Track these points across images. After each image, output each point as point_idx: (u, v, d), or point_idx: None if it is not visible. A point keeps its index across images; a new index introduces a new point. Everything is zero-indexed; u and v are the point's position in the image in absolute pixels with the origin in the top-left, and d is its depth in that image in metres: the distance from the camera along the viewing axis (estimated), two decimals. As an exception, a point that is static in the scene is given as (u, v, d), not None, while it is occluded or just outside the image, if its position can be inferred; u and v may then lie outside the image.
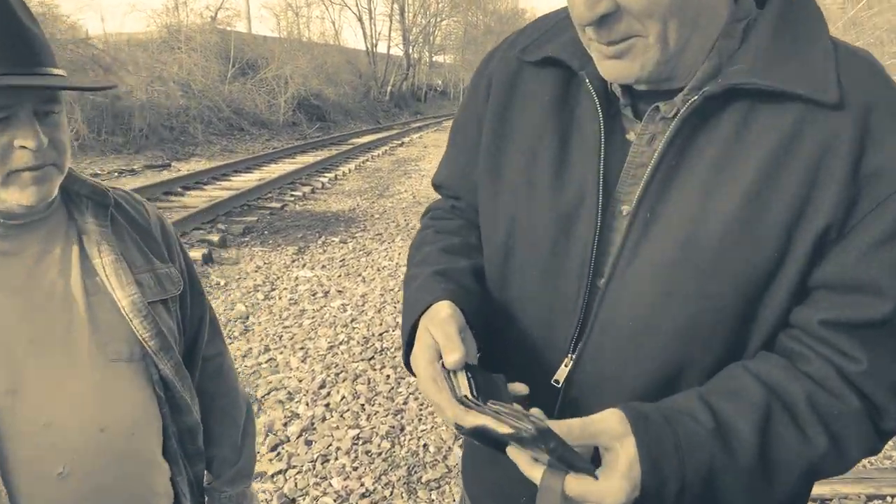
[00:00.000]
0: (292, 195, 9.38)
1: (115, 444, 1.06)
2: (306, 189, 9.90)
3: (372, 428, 3.37)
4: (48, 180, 0.99)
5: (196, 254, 6.10)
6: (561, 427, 0.73)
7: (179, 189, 9.14)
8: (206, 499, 1.35)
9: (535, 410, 0.80)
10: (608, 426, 0.75)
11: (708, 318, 0.80)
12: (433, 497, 2.86)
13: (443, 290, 0.90)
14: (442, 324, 0.82)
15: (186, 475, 1.24)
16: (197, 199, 8.51)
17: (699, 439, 0.75)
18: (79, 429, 1.02)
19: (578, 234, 0.87)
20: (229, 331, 4.59)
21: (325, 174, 11.58)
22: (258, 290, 5.43)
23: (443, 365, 0.80)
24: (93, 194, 1.12)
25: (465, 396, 0.75)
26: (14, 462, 0.97)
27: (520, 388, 0.84)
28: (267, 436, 3.26)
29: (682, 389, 0.82)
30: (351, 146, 15.99)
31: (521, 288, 0.93)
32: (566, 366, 0.88)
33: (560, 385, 0.89)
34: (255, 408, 3.54)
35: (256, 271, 5.95)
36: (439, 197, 1.16)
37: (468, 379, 0.77)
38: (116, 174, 10.63)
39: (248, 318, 4.87)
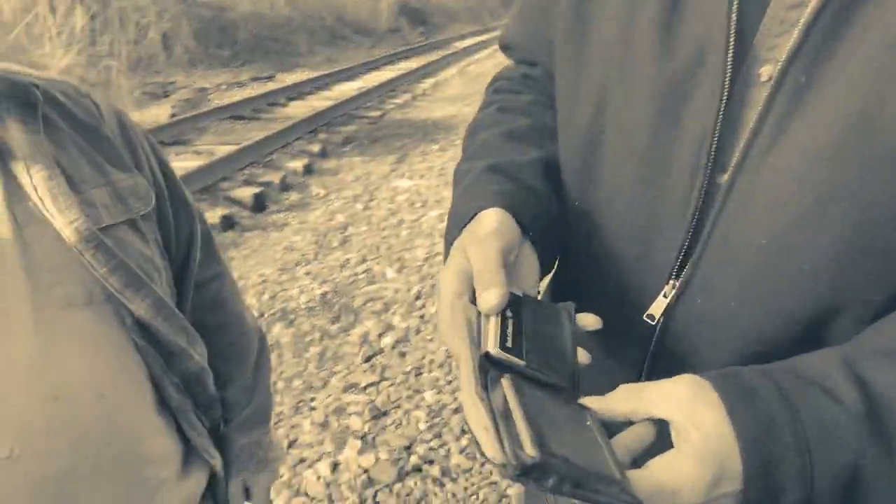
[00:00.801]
0: (392, 103, 9.23)
1: (78, 413, 0.86)
2: (407, 96, 9.72)
3: (467, 341, 3.30)
4: None
5: (297, 164, 6.13)
6: (599, 404, 0.55)
7: (283, 100, 9.18)
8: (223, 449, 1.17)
9: (590, 402, 0.56)
10: (676, 390, 0.54)
11: (882, 239, 0.56)
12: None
13: (495, 192, 0.69)
14: (482, 243, 0.62)
15: (203, 428, 1.06)
16: (299, 110, 8.53)
17: (839, 429, 0.51)
18: (22, 400, 0.82)
19: (694, 109, 0.62)
20: (328, 241, 4.60)
21: (426, 80, 11.33)
22: (357, 201, 5.40)
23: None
24: (12, 91, 0.86)
25: (487, 354, 0.55)
26: None
27: (590, 321, 0.64)
28: (362, 346, 3.25)
29: (829, 344, 0.59)
30: (454, 50, 15.52)
31: (610, 187, 0.71)
32: (665, 296, 0.68)
33: (655, 323, 0.69)
34: (350, 319, 3.54)
35: (356, 181, 5.91)
36: (509, 63, 0.94)
37: (500, 325, 0.57)
38: (224, 87, 10.81)
39: (346, 228, 4.86)
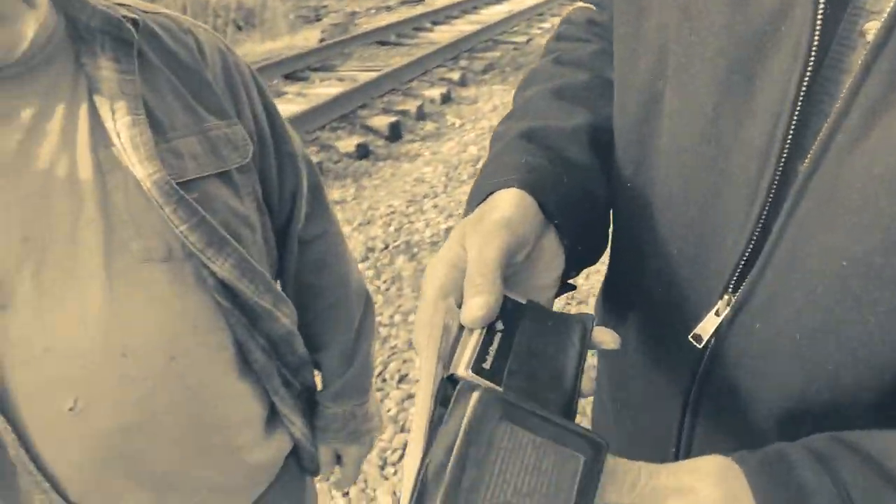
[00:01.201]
0: (540, 27, 8.85)
1: (145, 372, 0.81)
2: (555, 20, 9.28)
3: (590, 288, 3.15)
4: (8, 20, 0.71)
5: (435, 93, 6.06)
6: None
7: (428, 24, 9.07)
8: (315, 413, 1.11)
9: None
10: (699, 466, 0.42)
11: None
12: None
13: (521, 165, 0.57)
14: (484, 236, 0.50)
15: (290, 391, 1.00)
16: (443, 35, 8.39)
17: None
18: (90, 353, 0.78)
19: (771, 74, 0.48)
20: (458, 174, 4.53)
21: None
22: (492, 133, 5.27)
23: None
24: (108, 26, 0.80)
25: (452, 377, 0.43)
26: (16, 396, 0.77)
27: (607, 338, 0.51)
28: (481, 286, 3.19)
29: None
30: (611, -31, 14.60)
31: (665, 166, 0.57)
32: (717, 314, 0.54)
33: (703, 345, 0.56)
34: (472, 256, 3.49)
35: (493, 111, 5.76)
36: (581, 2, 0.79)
37: (481, 341, 0.45)
38: (373, 11, 10.84)
39: (479, 161, 4.76)
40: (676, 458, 0.59)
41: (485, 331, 0.46)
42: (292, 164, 0.99)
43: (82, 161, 0.78)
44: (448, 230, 3.77)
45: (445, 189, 4.33)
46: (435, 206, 4.09)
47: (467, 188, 4.27)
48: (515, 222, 0.51)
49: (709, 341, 0.55)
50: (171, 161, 0.81)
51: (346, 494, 2.18)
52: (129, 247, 0.79)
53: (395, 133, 5.28)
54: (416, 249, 3.61)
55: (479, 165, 4.63)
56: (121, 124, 0.78)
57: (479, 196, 0.56)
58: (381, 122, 5.34)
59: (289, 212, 1.01)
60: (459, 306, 0.47)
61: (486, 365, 0.43)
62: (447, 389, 0.42)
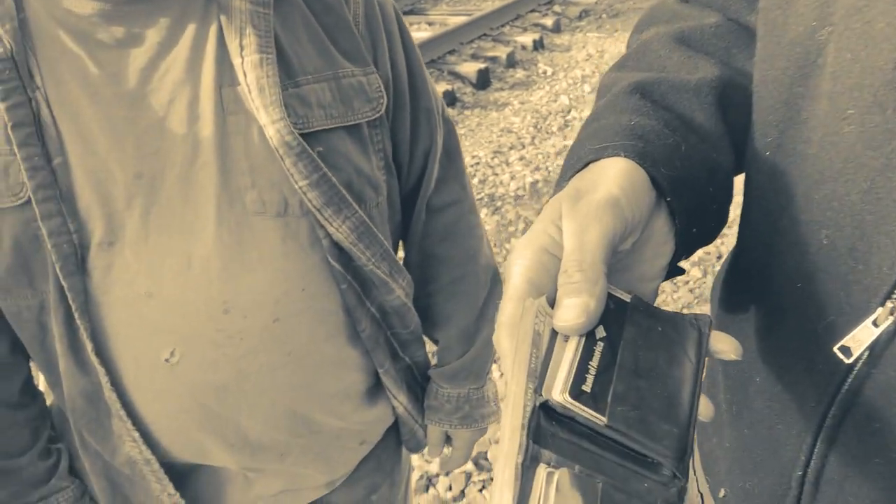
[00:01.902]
0: (641, -29, 8.40)
1: (246, 331, 0.76)
2: (659, -37, 8.77)
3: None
4: None
5: (527, 39, 5.84)
6: None
7: (523, -33, 8.75)
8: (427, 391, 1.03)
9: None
10: None
11: None
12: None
13: (630, 129, 0.46)
14: (586, 218, 0.40)
15: (397, 365, 0.94)
16: (538, -21, 8.08)
17: None
18: (191, 305, 0.74)
19: None
20: (548, 125, 4.37)
21: (685, -56, 10.12)
22: (585, 82, 5.05)
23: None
24: None
25: (546, 404, 0.34)
26: (113, 337, 0.75)
27: (726, 346, 0.42)
28: (565, 244, 3.08)
29: None
30: None
31: (820, 142, 0.46)
32: (876, 324, 0.43)
33: (852, 361, 0.45)
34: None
35: (587, 60, 5.52)
36: None
37: (580, 354, 0.36)
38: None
39: (569, 111, 4.58)
40: (802, 484, 0.49)
41: (584, 339, 0.37)
42: (428, 121, 0.90)
43: (205, 98, 0.72)
44: (535, 184, 3.65)
45: (533, 141, 4.18)
46: (521, 159, 3.96)
47: (556, 140, 4.12)
48: (623, 203, 0.41)
49: (860, 356, 0.44)
50: (298, 108, 0.74)
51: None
52: (242, 197, 0.74)
53: (483, 80, 5.14)
54: (499, 203, 3.51)
55: (570, 117, 4.46)
56: (248, 63, 0.72)
57: (576, 164, 0.46)
58: (470, 68, 5.20)
59: (419, 174, 0.92)
60: (551, 304, 0.39)
61: (587, 386, 0.35)
62: (541, 421, 0.34)
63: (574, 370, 0.36)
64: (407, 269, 0.94)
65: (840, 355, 0.45)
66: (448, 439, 1.06)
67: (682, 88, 0.50)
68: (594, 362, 0.36)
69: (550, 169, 3.79)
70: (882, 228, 0.43)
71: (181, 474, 0.86)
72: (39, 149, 0.69)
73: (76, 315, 0.73)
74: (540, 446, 0.33)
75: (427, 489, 2.00)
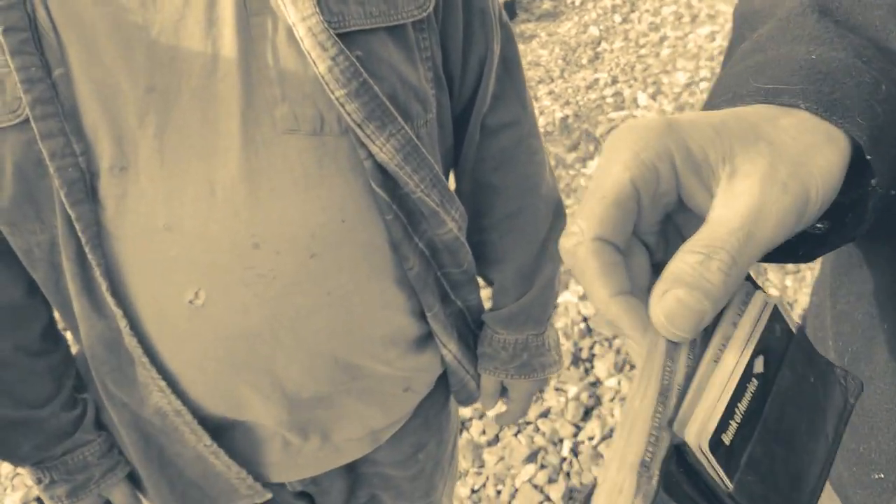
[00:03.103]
0: None
1: (280, 269, 0.68)
2: None
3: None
4: None
5: (554, -33, 5.58)
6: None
7: None
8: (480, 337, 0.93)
9: None
10: None
11: None
12: (783, 282, 2.36)
13: (807, 70, 0.35)
14: (772, 190, 0.29)
15: (448, 308, 0.85)
16: None
17: None
18: (216, 239, 0.65)
19: None
20: (577, 57, 4.19)
21: None
22: (616, 12, 4.82)
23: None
24: None
25: (682, 448, 0.28)
26: (130, 276, 0.67)
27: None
28: (598, 181, 2.96)
29: None
30: None
31: None
32: None
33: None
34: (590, 148, 3.23)
35: (617, -12, 5.27)
36: None
37: (729, 390, 0.29)
38: None
39: (599, 43, 4.38)
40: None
41: (741, 367, 0.29)
42: (484, 24, 0.77)
43: None
44: (564, 119, 3.51)
45: (562, 74, 4.01)
46: (550, 93, 3.80)
47: (587, 73, 3.95)
48: (812, 190, 0.31)
49: None
50: (332, 4, 0.64)
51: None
52: (271, 112, 0.64)
53: (509, 11, 4.93)
54: (529, 139, 3.39)
55: (601, 48, 4.27)
56: None
57: (731, 102, 0.36)
58: (495, -1, 4.99)
59: (473, 88, 0.80)
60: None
61: (728, 436, 0.28)
62: (673, 468, 0.27)
63: (722, 411, 0.28)
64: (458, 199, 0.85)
65: None
66: (504, 390, 0.97)
67: (870, 4, 0.39)
68: (742, 405, 0.29)
69: (581, 103, 3.64)
70: None
71: (217, 429, 0.79)
72: (37, 58, 0.60)
73: (87, 249, 0.64)
74: (668, 496, 0.27)
75: (461, 433, 1.96)
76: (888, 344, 0.46)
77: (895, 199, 0.35)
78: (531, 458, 1.87)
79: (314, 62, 0.62)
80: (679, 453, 0.28)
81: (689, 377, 0.29)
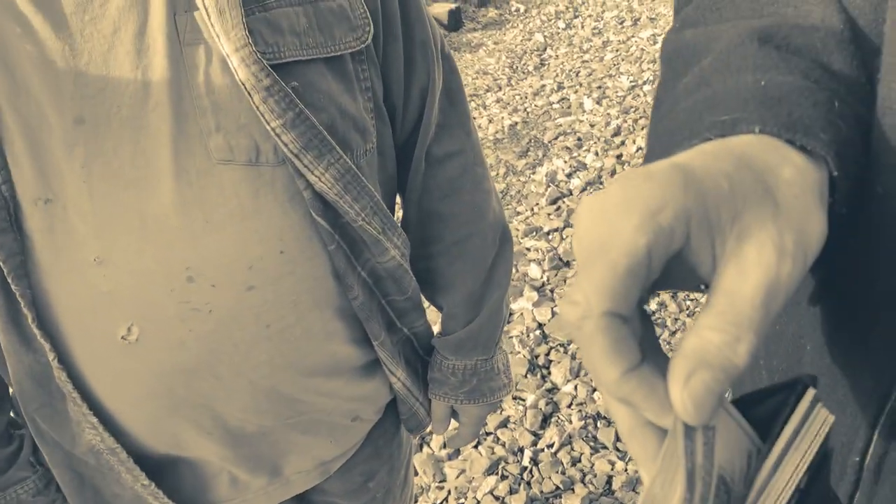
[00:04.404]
0: None
1: (216, 303, 0.65)
2: None
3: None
4: None
5: (498, -24, 5.64)
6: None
7: None
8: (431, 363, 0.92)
9: None
10: None
11: None
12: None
13: (760, 96, 0.34)
14: (781, 256, 0.28)
15: (394, 336, 0.84)
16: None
17: None
18: (149, 273, 0.63)
19: None
20: (523, 64, 4.24)
21: None
22: (560, 18, 4.89)
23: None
24: None
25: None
26: (59, 310, 0.65)
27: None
28: (548, 187, 3.00)
29: None
30: None
31: None
32: None
33: None
34: (539, 154, 3.27)
35: (560, -6, 5.35)
36: None
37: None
38: None
39: (545, 49, 4.44)
40: (860, 471, 0.42)
41: (795, 483, 0.29)
42: (425, 56, 0.77)
43: (155, 26, 0.61)
44: (513, 126, 3.54)
45: (509, 82, 4.05)
46: (498, 101, 3.84)
47: (533, 80, 3.99)
48: (807, 251, 0.29)
49: None
50: (267, 35, 0.63)
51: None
52: (205, 142, 0.62)
53: (455, 21, 4.96)
54: (478, 148, 3.42)
55: (546, 55, 4.32)
56: None
57: (687, 142, 0.35)
58: (441, 9, 5.01)
59: (416, 118, 0.79)
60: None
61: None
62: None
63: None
64: (405, 228, 0.84)
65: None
66: (455, 414, 0.97)
67: (809, 29, 0.39)
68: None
69: (529, 110, 3.68)
70: None
71: (158, 468, 0.77)
72: None
73: (10, 279, 0.62)
74: None
75: (421, 448, 1.96)
76: (812, 364, 0.48)
77: (843, 218, 0.36)
78: (492, 469, 1.88)
79: (249, 93, 0.61)
80: None
81: (709, 458, 0.27)
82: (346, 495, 0.94)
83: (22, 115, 0.60)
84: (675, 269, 0.30)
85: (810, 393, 0.30)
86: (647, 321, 0.32)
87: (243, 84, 0.61)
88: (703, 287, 0.41)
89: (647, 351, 0.29)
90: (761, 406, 0.30)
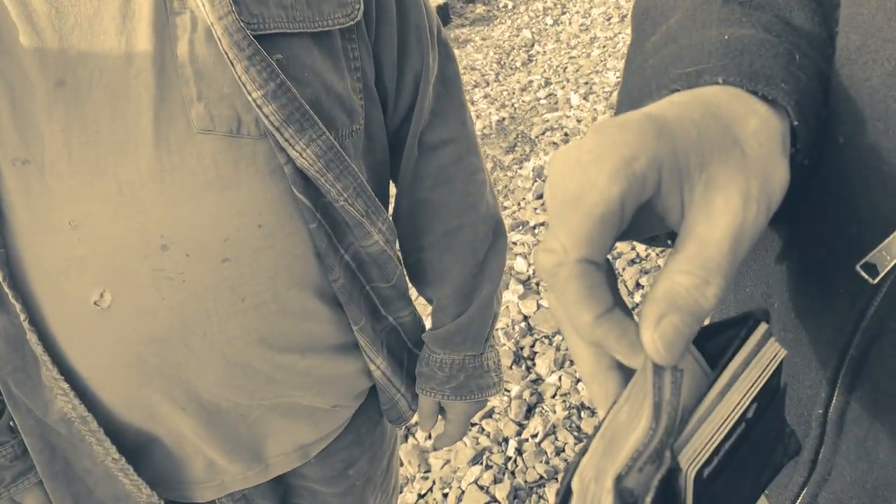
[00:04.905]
0: None
1: (190, 273, 0.65)
2: None
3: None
4: None
5: (486, -27, 5.64)
6: None
7: None
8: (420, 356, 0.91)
9: None
10: None
11: None
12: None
13: (724, 49, 0.36)
14: (748, 196, 0.29)
15: (377, 324, 0.83)
16: None
17: None
18: (123, 238, 0.63)
19: None
20: (511, 60, 4.25)
21: None
22: (548, 14, 4.90)
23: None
24: None
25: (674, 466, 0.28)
26: (32, 272, 0.65)
27: None
28: (535, 182, 3.00)
29: None
30: None
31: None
32: None
33: (877, 281, 0.36)
34: (526, 149, 3.27)
35: (548, -9, 5.36)
36: None
37: (730, 423, 0.29)
38: None
39: (533, 45, 4.45)
40: (824, 423, 0.43)
41: (741, 411, 0.30)
42: (419, 40, 0.76)
43: None
44: (500, 122, 3.54)
45: (497, 77, 4.06)
46: (486, 97, 3.84)
47: (521, 76, 4.00)
48: (771, 198, 0.30)
49: (888, 275, 0.37)
50: (252, 5, 0.63)
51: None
52: (186, 111, 0.63)
53: (443, 16, 4.96)
54: (465, 143, 3.42)
55: (534, 51, 4.32)
56: None
57: (655, 93, 0.36)
58: (428, 5, 5.02)
59: (409, 103, 0.79)
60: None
61: (707, 471, 0.29)
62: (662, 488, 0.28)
63: (714, 447, 0.29)
64: (397, 219, 0.83)
65: (864, 274, 0.38)
66: (442, 411, 0.95)
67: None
68: (728, 444, 0.29)
69: (516, 106, 3.69)
70: None
71: (132, 446, 0.76)
72: None
73: None
74: None
75: (406, 438, 1.96)
76: (779, 320, 0.48)
77: (805, 169, 0.37)
78: (476, 459, 1.88)
79: (231, 62, 0.61)
80: (669, 476, 0.28)
81: (676, 395, 0.28)
82: (326, 481, 0.93)
83: (4, 75, 0.60)
84: (644, 217, 0.31)
85: (762, 327, 0.31)
86: (610, 269, 0.32)
87: (226, 53, 0.61)
88: (669, 242, 0.41)
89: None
90: (715, 339, 0.31)
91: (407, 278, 0.89)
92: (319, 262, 0.73)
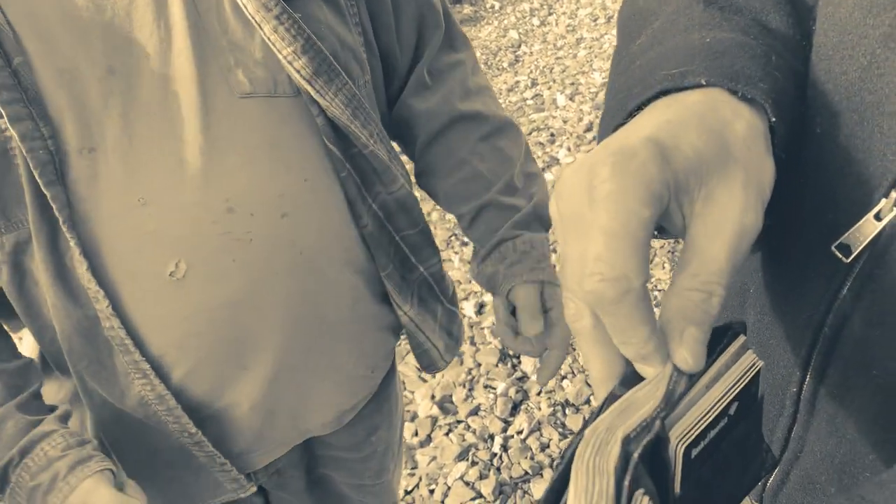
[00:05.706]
0: None
1: (257, 230, 0.70)
2: None
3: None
4: None
5: (473, -26, 5.66)
6: None
7: None
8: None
9: None
10: None
11: None
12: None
13: (705, 52, 0.38)
14: (746, 209, 0.33)
15: (405, 274, 0.86)
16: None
17: None
18: (191, 207, 0.68)
19: None
20: (498, 61, 4.26)
21: None
22: (534, 15, 4.92)
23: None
24: None
25: (660, 437, 0.31)
26: (107, 256, 0.67)
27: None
28: (521, 181, 3.02)
29: None
30: None
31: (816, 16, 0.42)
32: (879, 217, 0.38)
33: (850, 260, 0.38)
34: (512, 149, 3.29)
35: (535, -7, 5.38)
36: None
37: (715, 411, 0.33)
38: None
39: (519, 46, 4.46)
40: (798, 402, 0.44)
41: (723, 405, 0.33)
42: None
43: None
44: (486, 121, 3.56)
45: (484, 78, 4.09)
46: (473, 96, 3.86)
47: (507, 76, 4.02)
48: (764, 200, 0.34)
49: (860, 254, 0.39)
50: None
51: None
52: (226, 79, 0.67)
53: (430, 18, 4.98)
54: (452, 142, 3.43)
55: (521, 51, 4.34)
56: None
57: (642, 93, 0.38)
58: (416, 6, 5.03)
59: (412, 55, 0.86)
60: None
61: (694, 452, 0.32)
62: (650, 452, 0.31)
63: (702, 427, 0.32)
64: (424, 154, 0.89)
65: (838, 255, 0.40)
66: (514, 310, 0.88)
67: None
68: (712, 433, 0.33)
69: (503, 106, 3.70)
70: (884, 108, 0.37)
71: (196, 424, 0.77)
72: None
73: (65, 229, 0.65)
74: (646, 472, 0.30)
75: (392, 435, 1.97)
76: (753, 305, 0.50)
77: (782, 162, 0.38)
78: (462, 455, 1.89)
79: (259, 26, 0.67)
80: (658, 444, 0.31)
81: (690, 385, 0.33)
82: (351, 448, 0.97)
83: (58, 71, 0.64)
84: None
85: (740, 339, 0.35)
86: None
87: (253, 17, 0.67)
88: (655, 234, 0.44)
89: None
90: None
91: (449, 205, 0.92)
92: (351, 211, 0.78)
